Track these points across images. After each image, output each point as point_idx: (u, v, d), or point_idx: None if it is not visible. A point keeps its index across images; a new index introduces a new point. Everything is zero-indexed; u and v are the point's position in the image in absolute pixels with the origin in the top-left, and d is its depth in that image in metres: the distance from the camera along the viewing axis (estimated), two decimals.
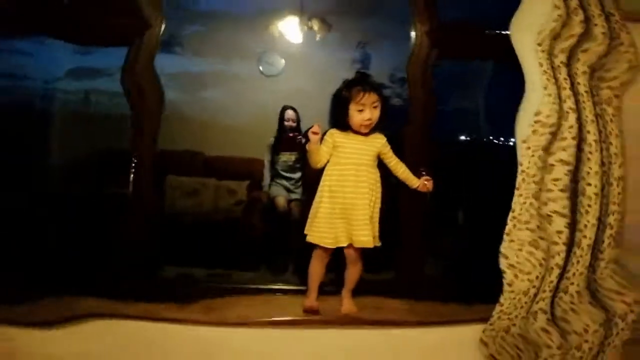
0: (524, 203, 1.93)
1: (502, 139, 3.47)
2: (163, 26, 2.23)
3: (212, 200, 3.88)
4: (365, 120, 2.02)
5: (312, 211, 2.10)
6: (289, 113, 3.33)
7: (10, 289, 2.08)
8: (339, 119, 2.06)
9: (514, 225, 1.94)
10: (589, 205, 1.86)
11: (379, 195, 2.10)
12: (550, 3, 1.89)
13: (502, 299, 1.96)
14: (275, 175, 3.35)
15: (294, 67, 4.50)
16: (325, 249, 2.08)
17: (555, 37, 1.90)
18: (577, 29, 1.87)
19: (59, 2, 2.20)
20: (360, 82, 2.04)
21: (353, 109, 2.01)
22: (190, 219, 3.55)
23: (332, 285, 2.26)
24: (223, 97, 4.67)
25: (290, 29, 4.13)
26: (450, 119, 4.01)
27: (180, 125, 3.00)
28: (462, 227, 3.10)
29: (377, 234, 2.08)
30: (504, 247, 1.96)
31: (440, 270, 2.66)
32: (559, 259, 1.89)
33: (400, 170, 2.13)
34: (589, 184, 1.88)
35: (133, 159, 2.19)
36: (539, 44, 1.91)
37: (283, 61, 4.51)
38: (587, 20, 1.90)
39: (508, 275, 1.95)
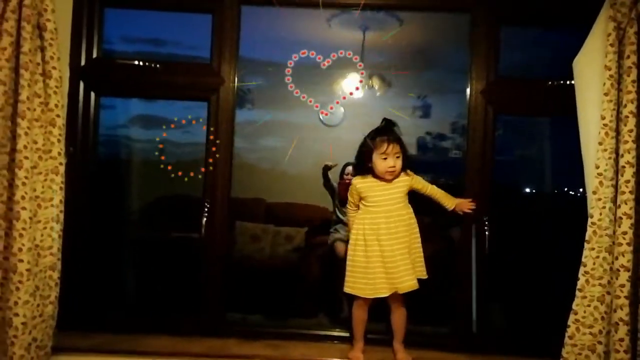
0: (597, 257, 1.86)
1: (564, 189, 3.38)
2: (236, 81, 2.34)
3: (271, 245, 3.97)
4: (389, 168, 2.05)
5: (347, 261, 2.10)
6: (349, 169, 3.37)
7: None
8: (363, 166, 2.11)
9: (587, 281, 1.88)
10: None
11: (416, 230, 2.10)
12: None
13: (563, 352, 1.91)
14: (335, 222, 3.43)
15: (354, 116, 4.58)
16: (364, 298, 2.10)
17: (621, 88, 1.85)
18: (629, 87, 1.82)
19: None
20: (386, 131, 2.10)
21: (377, 157, 2.06)
22: (254, 264, 3.66)
23: (379, 334, 2.25)
24: (283, 146, 4.82)
25: (350, 84, 4.23)
26: (511, 169, 3.95)
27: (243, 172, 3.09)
28: (522, 278, 3.00)
29: (423, 268, 2.09)
30: (576, 304, 1.89)
31: (498, 321, 2.59)
32: (622, 314, 1.80)
33: (437, 194, 2.15)
34: None
35: (205, 204, 2.26)
36: (606, 94, 1.84)
37: (342, 110, 4.59)
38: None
39: (571, 328, 1.90)
